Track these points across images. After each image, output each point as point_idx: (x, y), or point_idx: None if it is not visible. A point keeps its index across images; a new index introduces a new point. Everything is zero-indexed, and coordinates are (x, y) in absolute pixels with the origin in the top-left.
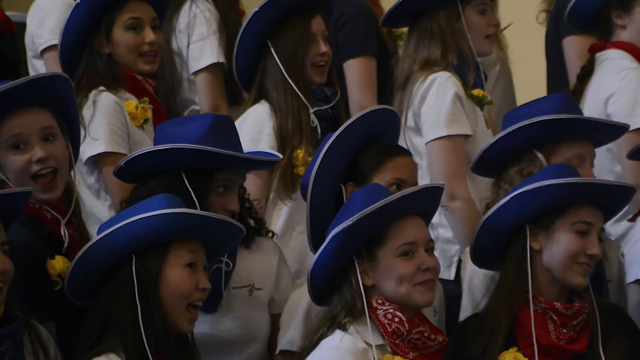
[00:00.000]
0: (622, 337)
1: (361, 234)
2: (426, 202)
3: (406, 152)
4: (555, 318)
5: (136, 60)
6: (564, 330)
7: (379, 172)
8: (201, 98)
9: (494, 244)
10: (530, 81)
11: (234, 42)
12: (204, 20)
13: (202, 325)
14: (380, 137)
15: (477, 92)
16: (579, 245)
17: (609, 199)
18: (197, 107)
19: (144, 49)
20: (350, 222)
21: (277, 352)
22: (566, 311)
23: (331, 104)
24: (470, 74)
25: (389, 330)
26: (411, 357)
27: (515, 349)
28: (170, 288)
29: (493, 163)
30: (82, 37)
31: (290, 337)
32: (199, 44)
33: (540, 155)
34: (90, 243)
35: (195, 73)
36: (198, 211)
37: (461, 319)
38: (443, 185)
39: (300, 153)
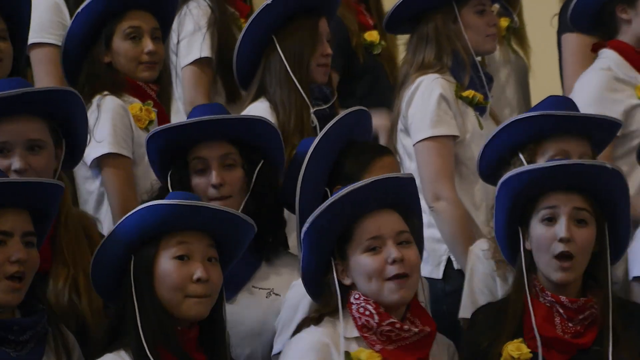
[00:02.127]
0: (636, 336)
1: (327, 232)
2: (393, 194)
3: (389, 152)
4: (561, 311)
5: (136, 69)
6: (570, 324)
7: (367, 172)
8: (183, 93)
9: (514, 247)
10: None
11: (228, 36)
12: (192, 18)
13: None
14: (356, 137)
15: (467, 93)
16: (548, 234)
17: (577, 178)
18: None
19: (143, 59)
20: (309, 223)
21: (272, 354)
22: (571, 305)
23: (329, 104)
24: (466, 75)
25: (359, 324)
26: (378, 349)
27: (521, 339)
28: (161, 281)
29: (492, 170)
30: (83, 45)
31: (284, 339)
32: (185, 40)
33: (522, 157)
34: (95, 251)
35: (183, 69)
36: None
37: (461, 316)
38: (407, 175)
39: None
